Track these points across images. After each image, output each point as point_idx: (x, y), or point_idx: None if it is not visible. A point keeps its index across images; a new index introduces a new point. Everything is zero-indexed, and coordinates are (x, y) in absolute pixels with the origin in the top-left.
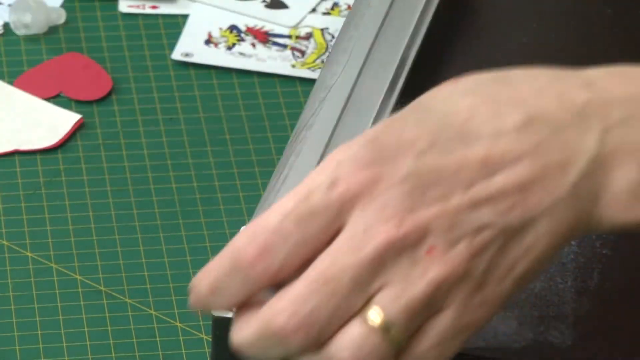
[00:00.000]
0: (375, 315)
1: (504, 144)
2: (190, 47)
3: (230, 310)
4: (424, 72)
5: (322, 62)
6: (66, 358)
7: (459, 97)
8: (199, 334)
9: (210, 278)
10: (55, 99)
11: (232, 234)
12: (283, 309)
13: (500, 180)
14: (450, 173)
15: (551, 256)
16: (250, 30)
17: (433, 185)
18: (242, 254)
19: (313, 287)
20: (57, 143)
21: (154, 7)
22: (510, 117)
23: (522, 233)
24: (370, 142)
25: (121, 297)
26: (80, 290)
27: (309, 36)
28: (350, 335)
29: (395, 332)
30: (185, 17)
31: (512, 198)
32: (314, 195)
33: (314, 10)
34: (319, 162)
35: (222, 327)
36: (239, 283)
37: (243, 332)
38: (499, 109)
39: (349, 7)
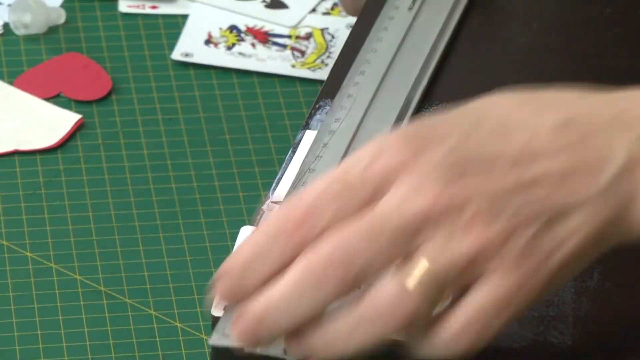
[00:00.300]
0: (413, 268)
1: (543, 139)
2: (190, 47)
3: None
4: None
5: (322, 62)
6: (66, 358)
7: (500, 100)
8: (198, 334)
9: (246, 251)
10: (55, 99)
11: (232, 234)
12: (324, 247)
13: (538, 169)
14: (489, 158)
15: (588, 252)
16: (250, 30)
17: (473, 166)
18: (282, 222)
19: (355, 230)
20: (57, 143)
21: (153, 7)
22: (550, 116)
23: (559, 220)
24: (411, 130)
25: (121, 297)
26: (80, 290)
27: (308, 36)
28: (387, 285)
29: (431, 287)
30: (185, 17)
31: (549, 186)
32: (353, 169)
33: (314, 10)
34: None
35: (220, 355)
36: (276, 252)
37: (283, 282)
38: (539, 109)
39: None
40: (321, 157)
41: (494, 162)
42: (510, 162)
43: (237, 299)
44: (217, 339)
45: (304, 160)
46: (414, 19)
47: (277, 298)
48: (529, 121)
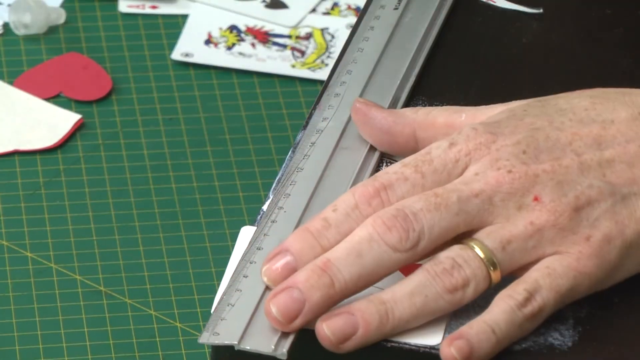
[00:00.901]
0: (473, 241)
1: (616, 128)
2: (190, 47)
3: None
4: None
5: (322, 62)
6: (66, 358)
7: (578, 97)
8: (198, 334)
9: (318, 220)
10: (55, 99)
11: (232, 234)
12: (392, 207)
13: (610, 153)
14: (563, 143)
15: None
16: (250, 30)
17: (546, 149)
18: (360, 190)
19: (422, 196)
20: (57, 143)
21: (153, 7)
22: (624, 109)
23: (629, 201)
24: (488, 119)
25: (121, 298)
26: (80, 290)
27: (308, 36)
28: (450, 250)
29: (492, 260)
30: (185, 17)
31: (620, 169)
32: (433, 151)
33: (313, 10)
34: (307, 205)
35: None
36: (352, 219)
37: (355, 237)
38: (614, 105)
39: (348, 7)
40: (309, 156)
41: (567, 145)
42: (588, 143)
43: (307, 257)
44: (206, 338)
45: (292, 159)
46: (400, 17)
47: (342, 247)
48: (604, 113)
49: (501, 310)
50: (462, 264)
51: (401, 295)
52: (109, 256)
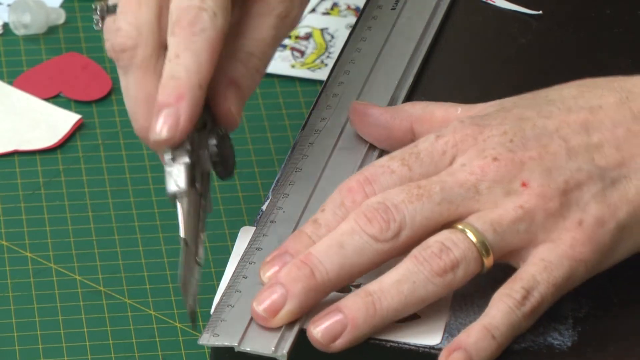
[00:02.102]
0: (463, 224)
1: (604, 113)
2: None
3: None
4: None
5: (322, 62)
6: (66, 358)
7: (568, 87)
8: (198, 334)
9: (318, 217)
10: (55, 99)
11: (232, 235)
12: (375, 198)
13: (598, 138)
14: (550, 130)
15: None
16: None
17: (533, 137)
18: (346, 186)
19: (405, 188)
20: (56, 143)
21: None
22: (612, 96)
23: (619, 184)
24: (477, 112)
25: (121, 298)
26: (79, 290)
27: (308, 36)
28: (439, 235)
29: (482, 241)
30: None
31: (609, 153)
32: (420, 144)
33: (313, 10)
34: (306, 205)
35: (220, 355)
36: (339, 217)
37: (343, 226)
38: (602, 91)
39: (348, 7)
40: (307, 156)
41: (555, 132)
42: (576, 129)
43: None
44: (206, 339)
45: (290, 160)
46: (397, 17)
47: (324, 240)
48: (592, 100)
49: (500, 312)
50: (451, 246)
51: (388, 285)
52: (108, 256)
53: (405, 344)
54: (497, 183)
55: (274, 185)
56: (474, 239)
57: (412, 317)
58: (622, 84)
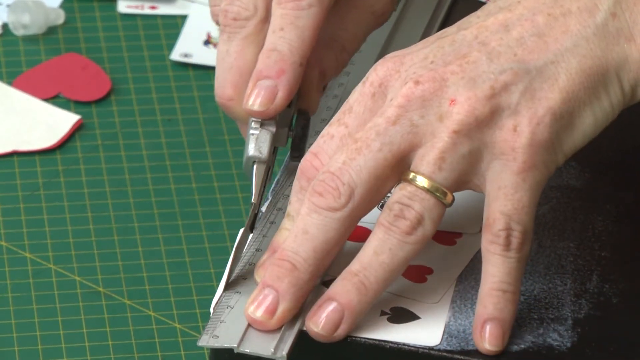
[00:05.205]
0: (410, 174)
1: (523, 6)
2: (189, 47)
3: None
4: None
5: None
6: (65, 359)
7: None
8: (197, 335)
9: (289, 210)
10: (54, 99)
11: (231, 235)
12: (322, 172)
13: (518, 31)
14: (469, 39)
15: (583, 95)
16: None
17: (452, 52)
18: (299, 168)
19: (343, 148)
20: (56, 144)
21: (152, 8)
22: None
23: (546, 72)
24: (389, 54)
25: (120, 298)
26: (79, 291)
27: None
28: (394, 195)
29: (434, 185)
30: (184, 17)
31: (531, 42)
32: (350, 99)
33: None
34: None
35: (219, 356)
36: (301, 202)
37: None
38: None
39: None
40: None
41: (473, 39)
42: (494, 30)
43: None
44: (206, 340)
45: (290, 161)
46: (398, 18)
47: (290, 232)
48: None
49: (496, 265)
50: (409, 202)
51: (368, 260)
52: (108, 257)
53: (404, 344)
54: (426, 108)
55: (273, 186)
56: (426, 186)
57: (412, 318)
58: None
